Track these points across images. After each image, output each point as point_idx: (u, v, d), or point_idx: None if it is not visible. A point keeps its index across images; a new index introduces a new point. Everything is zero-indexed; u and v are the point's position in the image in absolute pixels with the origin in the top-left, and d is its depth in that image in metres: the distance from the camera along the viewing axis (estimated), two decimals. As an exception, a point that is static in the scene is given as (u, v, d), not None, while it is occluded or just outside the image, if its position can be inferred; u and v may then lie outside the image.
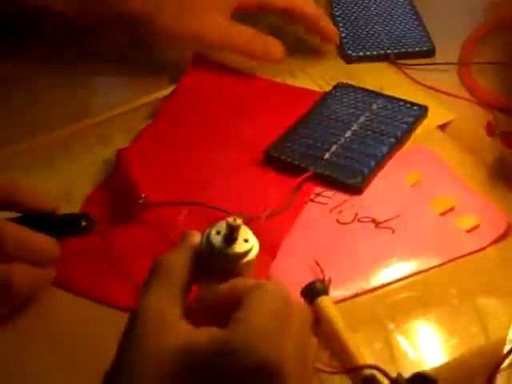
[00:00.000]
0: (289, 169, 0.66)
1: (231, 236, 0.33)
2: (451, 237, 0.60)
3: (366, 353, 0.49)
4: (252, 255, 0.34)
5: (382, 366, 0.47)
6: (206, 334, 0.30)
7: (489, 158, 0.68)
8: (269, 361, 0.29)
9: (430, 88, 0.76)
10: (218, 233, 0.33)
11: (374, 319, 0.54)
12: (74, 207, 0.64)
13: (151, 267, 0.34)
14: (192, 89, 0.77)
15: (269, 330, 0.30)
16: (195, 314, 0.34)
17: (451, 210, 0.62)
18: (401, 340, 0.52)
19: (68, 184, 0.67)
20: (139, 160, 0.67)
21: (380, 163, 0.67)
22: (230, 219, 0.33)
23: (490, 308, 0.54)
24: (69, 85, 0.77)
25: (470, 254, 0.58)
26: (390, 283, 0.56)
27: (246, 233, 0.34)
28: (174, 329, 0.31)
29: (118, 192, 0.65)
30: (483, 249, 0.59)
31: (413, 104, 0.74)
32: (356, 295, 0.55)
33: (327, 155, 0.67)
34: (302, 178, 0.65)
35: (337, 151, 0.68)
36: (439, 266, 0.58)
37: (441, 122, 0.73)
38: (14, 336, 0.52)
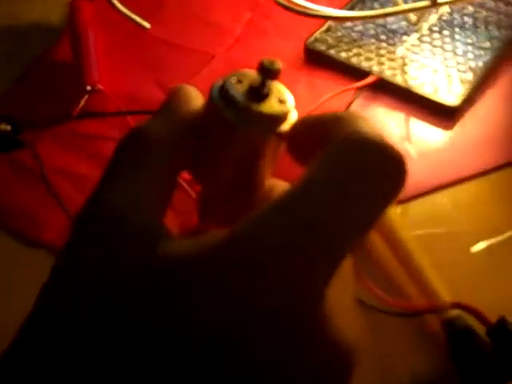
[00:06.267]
0: (341, 68, 0.49)
1: (261, 89, 0.21)
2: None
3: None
4: (288, 124, 0.22)
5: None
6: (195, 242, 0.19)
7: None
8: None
9: None
10: (240, 81, 0.21)
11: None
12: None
13: (122, 140, 0.21)
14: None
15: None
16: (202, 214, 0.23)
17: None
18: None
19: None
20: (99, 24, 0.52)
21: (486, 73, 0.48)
22: (266, 60, 0.20)
23: None
24: None
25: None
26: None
27: (281, 92, 0.22)
28: (153, 237, 0.19)
29: (56, 76, 0.50)
30: None
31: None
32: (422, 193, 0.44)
33: (400, 51, 0.48)
34: (361, 84, 0.47)
35: (414, 46, 0.49)
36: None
37: None
38: None
